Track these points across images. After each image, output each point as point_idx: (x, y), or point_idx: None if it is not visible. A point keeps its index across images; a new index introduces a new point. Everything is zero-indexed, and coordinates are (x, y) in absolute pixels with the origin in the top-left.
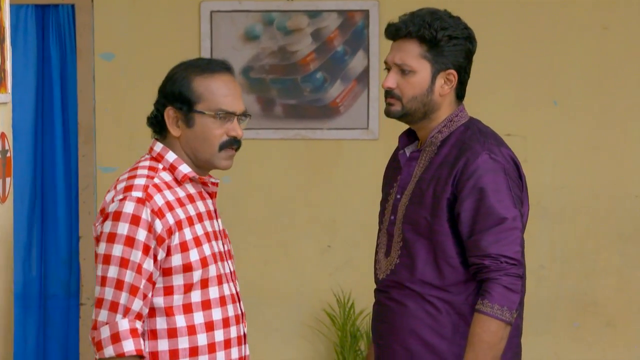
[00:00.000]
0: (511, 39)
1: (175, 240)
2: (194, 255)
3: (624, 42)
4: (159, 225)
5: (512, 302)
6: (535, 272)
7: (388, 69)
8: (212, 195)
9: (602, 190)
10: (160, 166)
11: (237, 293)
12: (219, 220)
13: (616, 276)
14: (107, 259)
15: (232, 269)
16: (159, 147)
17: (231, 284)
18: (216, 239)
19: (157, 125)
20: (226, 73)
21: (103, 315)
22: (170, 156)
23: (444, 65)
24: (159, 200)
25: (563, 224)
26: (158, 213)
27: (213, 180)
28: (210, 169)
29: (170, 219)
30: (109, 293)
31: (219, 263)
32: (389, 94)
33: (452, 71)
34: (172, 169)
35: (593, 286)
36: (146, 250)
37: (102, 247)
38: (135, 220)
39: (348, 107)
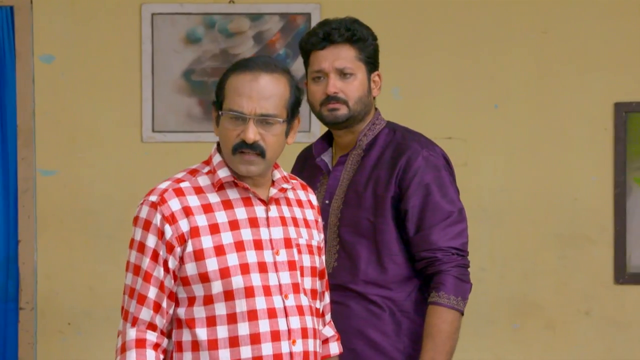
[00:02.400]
0: (452, 43)
1: (189, 247)
2: (211, 265)
3: (563, 46)
4: (168, 231)
5: (464, 292)
6: (475, 274)
7: (319, 77)
8: (268, 202)
9: (541, 192)
10: (206, 169)
11: (296, 307)
12: (276, 229)
13: (555, 278)
14: (127, 266)
15: (290, 281)
16: (214, 149)
17: (279, 296)
18: (260, 247)
19: None
20: (253, 72)
21: (120, 323)
22: (216, 159)
23: (373, 67)
24: (174, 205)
25: (503, 227)
26: (169, 218)
27: (285, 185)
28: (240, 175)
29: (184, 225)
30: (124, 301)
31: (263, 274)
32: (333, 99)
33: (378, 72)
34: (214, 172)
35: (532, 288)
36: (155, 257)
37: (127, 253)
38: (147, 225)
39: None
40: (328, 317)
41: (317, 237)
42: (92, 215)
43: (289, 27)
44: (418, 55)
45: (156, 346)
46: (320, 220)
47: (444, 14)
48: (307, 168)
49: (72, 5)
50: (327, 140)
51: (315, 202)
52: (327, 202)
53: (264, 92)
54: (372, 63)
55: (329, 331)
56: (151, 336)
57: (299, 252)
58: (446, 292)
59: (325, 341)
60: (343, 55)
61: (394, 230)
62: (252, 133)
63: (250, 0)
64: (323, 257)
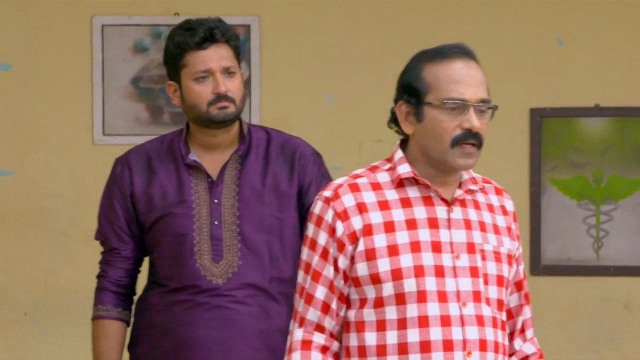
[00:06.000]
0: (381, 52)
1: (361, 246)
2: (383, 266)
3: (483, 55)
4: (340, 228)
5: None
6: None
7: (205, 76)
8: (452, 203)
9: None
10: (387, 166)
11: (476, 316)
12: (458, 231)
13: None
14: (299, 263)
15: (471, 289)
16: (396, 146)
17: (456, 304)
18: (438, 250)
19: (397, 124)
20: (461, 58)
21: (290, 323)
22: (398, 155)
23: (240, 67)
24: (347, 201)
25: None
26: (342, 215)
27: (472, 187)
28: (448, 170)
29: (357, 222)
30: (294, 299)
31: (439, 278)
32: (223, 97)
33: (242, 71)
34: (394, 168)
35: None
36: (325, 255)
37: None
38: (319, 221)
39: None
40: (530, 333)
41: (509, 245)
42: (47, 213)
43: None
44: (350, 64)
45: (324, 349)
46: (514, 227)
47: (374, 26)
48: (159, 170)
49: (27, 17)
50: (184, 139)
51: (510, 208)
52: (215, 201)
53: (479, 77)
54: (238, 63)
55: (530, 348)
56: (318, 338)
57: (483, 258)
58: None
59: (525, 358)
60: (226, 55)
61: (297, 225)
62: (477, 120)
63: (193, 12)
64: (521, 267)
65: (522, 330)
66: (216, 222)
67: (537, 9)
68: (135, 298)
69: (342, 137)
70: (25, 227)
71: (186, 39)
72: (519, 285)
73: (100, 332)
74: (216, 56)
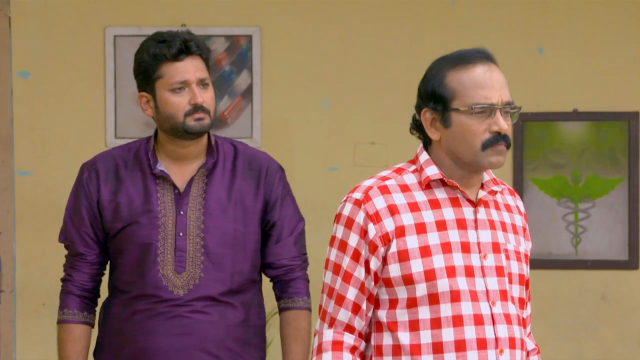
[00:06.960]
0: (373, 60)
1: (393, 248)
2: (416, 267)
3: None
4: (372, 230)
5: (309, 292)
6: None
7: (182, 87)
8: (477, 204)
9: None
10: (412, 168)
11: (504, 315)
12: (484, 232)
13: None
14: (326, 264)
15: (498, 288)
16: (420, 148)
17: (486, 303)
18: (467, 250)
19: (419, 130)
20: (483, 63)
21: (318, 323)
22: (423, 157)
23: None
24: (378, 203)
25: None
26: (373, 217)
27: (495, 188)
28: (478, 170)
29: (389, 224)
30: (322, 300)
31: (469, 278)
32: (200, 109)
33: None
34: (420, 170)
35: None
36: (356, 256)
37: (327, 251)
38: (349, 223)
39: (235, 119)
40: (529, 328)
41: (524, 245)
42: (63, 210)
43: (233, 47)
44: (345, 71)
45: (353, 349)
46: (527, 227)
47: (367, 36)
48: (126, 179)
49: (45, 28)
50: (152, 149)
51: (523, 209)
52: (181, 213)
53: (502, 80)
54: (209, 74)
55: (530, 344)
56: (348, 338)
57: (507, 257)
58: (306, 295)
59: (526, 354)
60: (200, 66)
61: (260, 239)
62: (505, 123)
63: (199, 24)
64: (528, 267)
65: (524, 326)
66: (181, 234)
67: (519, 19)
68: (100, 301)
69: (337, 139)
70: (43, 224)
71: (162, 50)
72: (526, 284)
73: (67, 335)
74: (192, 68)
